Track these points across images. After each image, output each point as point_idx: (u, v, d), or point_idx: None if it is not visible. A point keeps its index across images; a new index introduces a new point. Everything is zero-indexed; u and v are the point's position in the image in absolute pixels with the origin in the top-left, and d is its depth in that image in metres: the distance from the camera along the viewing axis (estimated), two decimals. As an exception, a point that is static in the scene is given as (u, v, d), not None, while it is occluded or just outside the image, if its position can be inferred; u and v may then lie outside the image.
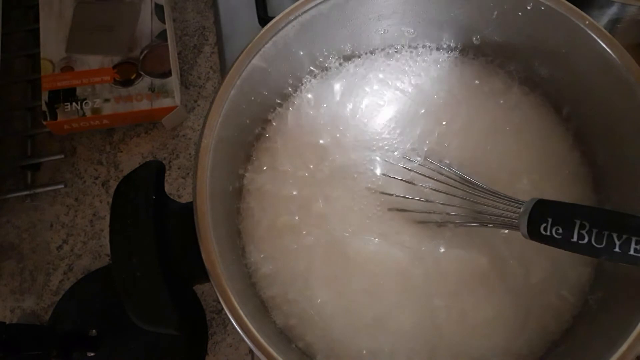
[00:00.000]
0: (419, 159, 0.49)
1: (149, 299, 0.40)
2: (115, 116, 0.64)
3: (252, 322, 0.40)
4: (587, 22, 0.45)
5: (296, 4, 0.47)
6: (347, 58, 0.54)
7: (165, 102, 0.64)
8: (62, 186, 0.66)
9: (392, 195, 0.48)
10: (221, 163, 0.45)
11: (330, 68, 0.54)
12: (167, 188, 0.56)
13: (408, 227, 0.48)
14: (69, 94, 0.64)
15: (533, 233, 0.40)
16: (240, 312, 0.40)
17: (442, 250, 0.47)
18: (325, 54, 0.53)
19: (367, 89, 0.52)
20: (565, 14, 0.46)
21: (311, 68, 0.53)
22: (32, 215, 0.66)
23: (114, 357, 0.59)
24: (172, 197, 0.51)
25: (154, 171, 0.43)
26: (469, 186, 0.46)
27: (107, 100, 0.64)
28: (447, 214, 0.47)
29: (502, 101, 0.52)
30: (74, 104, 0.64)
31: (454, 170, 0.48)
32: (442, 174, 0.47)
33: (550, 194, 0.48)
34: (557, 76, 0.50)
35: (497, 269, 0.47)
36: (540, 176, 0.49)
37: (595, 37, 0.45)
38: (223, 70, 0.70)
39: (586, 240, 0.37)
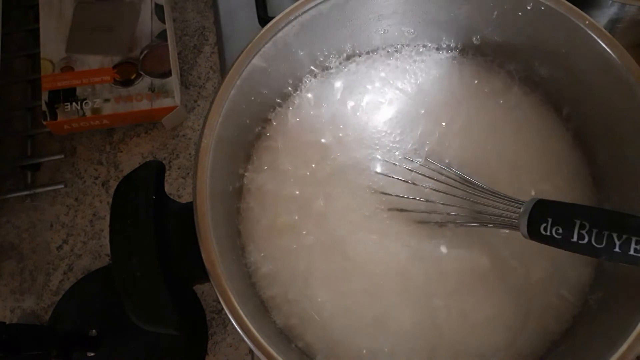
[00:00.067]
0: (420, 160, 0.49)
1: (149, 299, 0.40)
2: (115, 116, 0.64)
3: (252, 322, 0.40)
4: (587, 22, 0.45)
5: (296, 4, 0.47)
6: (348, 57, 0.54)
7: (165, 102, 0.64)
8: (62, 186, 0.66)
9: (392, 195, 0.48)
10: (221, 163, 0.45)
11: (331, 67, 0.54)
12: (167, 188, 0.56)
13: (408, 227, 0.48)
14: (69, 94, 0.64)
15: (533, 233, 0.40)
16: (240, 312, 0.40)
17: (442, 250, 0.47)
18: (326, 53, 0.53)
19: (368, 86, 0.53)
20: (565, 14, 0.46)
21: (311, 67, 0.53)
22: (32, 215, 0.66)
23: (114, 357, 0.59)
24: (172, 197, 0.51)
25: (154, 171, 0.43)
26: (469, 186, 0.46)
27: (107, 100, 0.64)
28: (448, 214, 0.47)
29: (502, 101, 0.52)
30: (74, 104, 0.64)
31: (454, 170, 0.48)
32: (442, 174, 0.47)
33: (550, 194, 0.48)
34: (557, 76, 0.50)
35: (497, 269, 0.47)
36: (540, 176, 0.49)
37: (595, 37, 0.45)
38: (223, 70, 0.70)
39: (586, 240, 0.37)
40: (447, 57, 0.54)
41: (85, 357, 0.58)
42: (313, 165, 0.50)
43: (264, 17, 0.68)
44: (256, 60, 0.46)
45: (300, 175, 0.50)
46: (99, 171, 0.67)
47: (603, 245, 0.36)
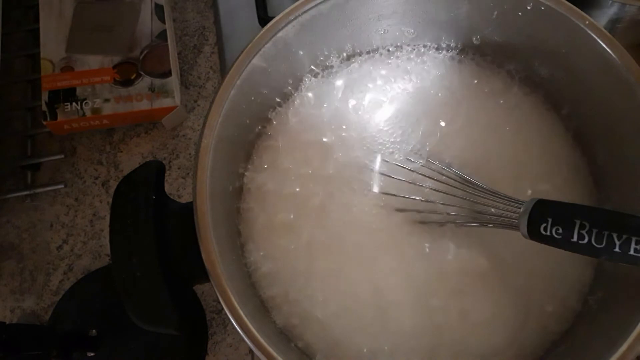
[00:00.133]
0: (421, 161, 0.49)
1: (149, 299, 0.40)
2: (115, 116, 0.64)
3: (252, 322, 0.40)
4: (587, 22, 0.45)
5: (296, 4, 0.47)
6: (348, 57, 0.54)
7: (165, 102, 0.64)
8: (62, 186, 0.66)
9: (393, 195, 0.48)
10: (221, 163, 0.45)
11: (331, 67, 0.54)
12: (167, 188, 0.56)
13: (409, 227, 0.48)
14: (69, 94, 0.64)
15: (533, 233, 0.40)
16: (240, 312, 0.40)
17: (442, 250, 0.47)
18: (326, 53, 0.53)
19: (370, 85, 0.53)
20: (565, 14, 0.46)
21: (312, 67, 0.53)
22: (32, 215, 0.66)
23: (114, 357, 0.59)
24: (172, 197, 0.51)
25: (154, 171, 0.43)
26: (469, 186, 0.46)
27: (107, 100, 0.64)
28: (448, 214, 0.47)
29: (502, 101, 0.52)
30: (74, 104, 0.64)
31: (454, 170, 0.48)
32: (442, 174, 0.47)
33: (550, 194, 0.48)
34: (557, 76, 0.50)
35: (497, 269, 0.47)
36: (540, 176, 0.49)
37: (595, 37, 0.45)
38: (223, 70, 0.70)
39: (586, 240, 0.37)
40: (447, 57, 0.54)
41: (85, 357, 0.58)
42: (314, 164, 0.50)
43: (264, 17, 0.68)
44: (256, 60, 0.46)
45: (301, 174, 0.50)
46: (99, 171, 0.67)
47: (603, 245, 0.36)
